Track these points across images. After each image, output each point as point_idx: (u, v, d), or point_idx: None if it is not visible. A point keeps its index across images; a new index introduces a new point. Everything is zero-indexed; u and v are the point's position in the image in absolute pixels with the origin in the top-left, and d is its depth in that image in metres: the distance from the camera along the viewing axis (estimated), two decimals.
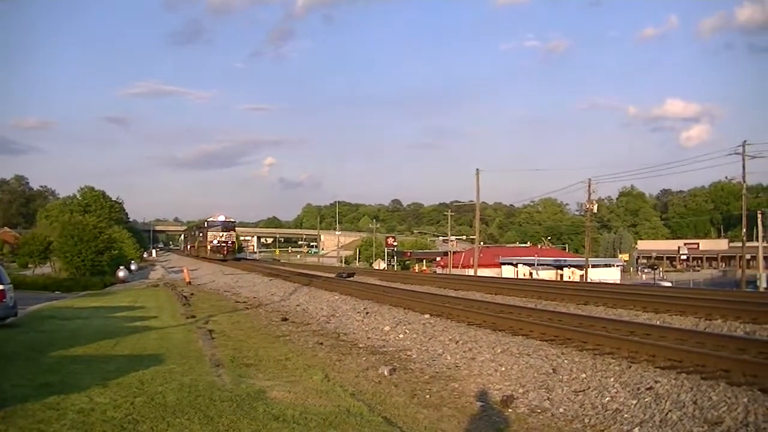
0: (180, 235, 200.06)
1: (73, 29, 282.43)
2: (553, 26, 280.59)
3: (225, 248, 69.18)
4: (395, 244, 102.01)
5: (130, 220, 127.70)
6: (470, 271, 61.81)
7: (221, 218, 71.76)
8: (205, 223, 73.51)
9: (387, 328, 16.28)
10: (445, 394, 10.10)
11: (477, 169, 59.77)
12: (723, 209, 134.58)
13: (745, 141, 47.86)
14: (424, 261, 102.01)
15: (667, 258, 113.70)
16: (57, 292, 33.08)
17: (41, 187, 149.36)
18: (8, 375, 10.02)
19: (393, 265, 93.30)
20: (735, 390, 8.30)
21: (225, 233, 70.41)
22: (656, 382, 9.07)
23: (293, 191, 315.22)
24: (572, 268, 72.30)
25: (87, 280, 38.89)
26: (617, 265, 78.06)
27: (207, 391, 8.91)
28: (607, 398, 8.98)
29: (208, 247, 69.89)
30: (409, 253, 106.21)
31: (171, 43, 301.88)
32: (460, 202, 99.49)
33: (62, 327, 16.74)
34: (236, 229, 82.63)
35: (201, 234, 77.30)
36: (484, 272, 62.49)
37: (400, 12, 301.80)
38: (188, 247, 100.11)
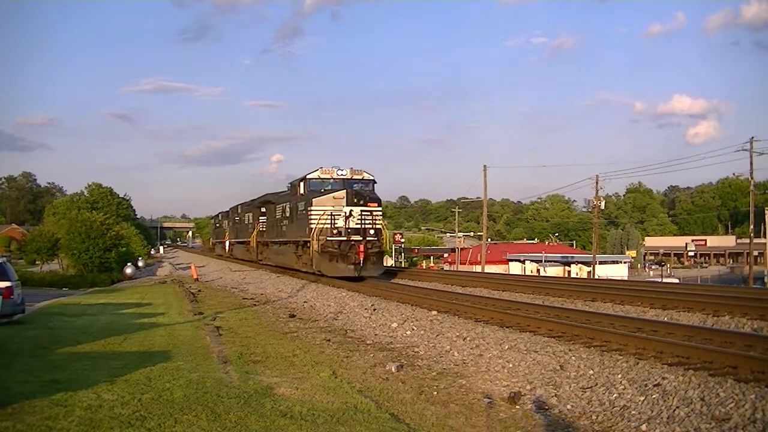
0: (188, 232, 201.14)
1: (80, 26, 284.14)
2: (561, 23, 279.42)
3: (361, 247, 27.48)
4: (403, 240, 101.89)
5: (138, 216, 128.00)
6: (478, 268, 61.73)
7: (342, 172, 29.96)
8: (300, 185, 30.96)
9: (394, 325, 16.28)
10: (452, 391, 10.09)
11: (484, 166, 59.53)
12: (730, 206, 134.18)
13: (752, 137, 47.83)
14: (432, 257, 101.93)
15: (675, 254, 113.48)
16: (64, 289, 33.22)
17: (49, 183, 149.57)
18: (16, 371, 10.07)
19: (400, 262, 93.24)
20: (743, 386, 8.28)
21: (358, 208, 27.97)
22: (664, 378, 9.05)
23: None
24: (579, 265, 72.18)
25: (94, 277, 39.01)
26: (624, 262, 77.79)
27: (214, 387, 8.93)
28: (615, 395, 8.96)
29: (314, 245, 27.97)
30: (416, 250, 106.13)
31: (179, 40, 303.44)
32: (467, 198, 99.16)
33: (69, 324, 16.80)
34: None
35: (281, 213, 35.04)
36: (491, 269, 62.43)
37: (407, 9, 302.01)
38: (228, 243, 58.58)
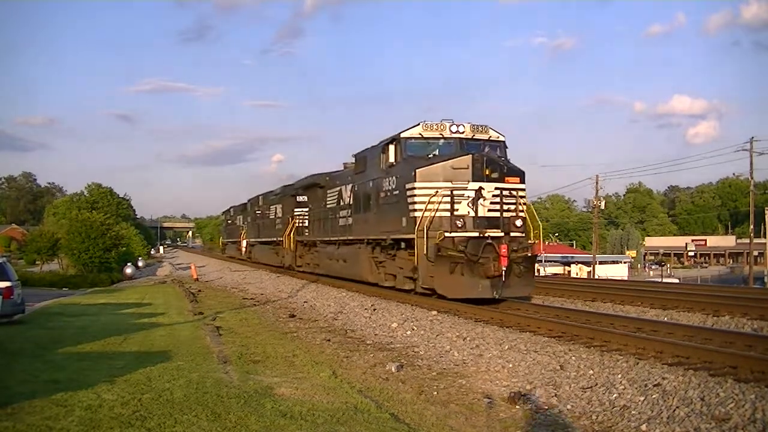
0: (188, 232, 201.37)
1: (80, 26, 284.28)
2: (561, 23, 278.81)
3: (502, 249, 16.18)
4: None
5: (138, 216, 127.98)
6: None
7: (459, 128, 18.03)
8: (388, 150, 19.17)
9: (394, 325, 16.26)
10: (452, 391, 10.08)
11: None
12: (730, 206, 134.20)
13: (752, 137, 48.05)
14: None
15: (675, 254, 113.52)
16: (64, 289, 33.20)
17: (49, 183, 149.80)
18: (15, 372, 10.07)
19: None
20: (743, 386, 8.28)
21: (491, 185, 16.79)
22: (664, 378, 9.04)
23: None
24: (580, 265, 72.20)
25: (94, 277, 39.03)
26: (625, 262, 77.88)
27: (214, 387, 8.92)
28: (615, 395, 8.95)
29: (421, 246, 16.61)
30: None
31: (180, 41, 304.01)
32: None
33: (69, 324, 16.79)
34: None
35: (338, 200, 24.70)
36: None
37: (407, 9, 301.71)
38: (246, 244, 49.20)
